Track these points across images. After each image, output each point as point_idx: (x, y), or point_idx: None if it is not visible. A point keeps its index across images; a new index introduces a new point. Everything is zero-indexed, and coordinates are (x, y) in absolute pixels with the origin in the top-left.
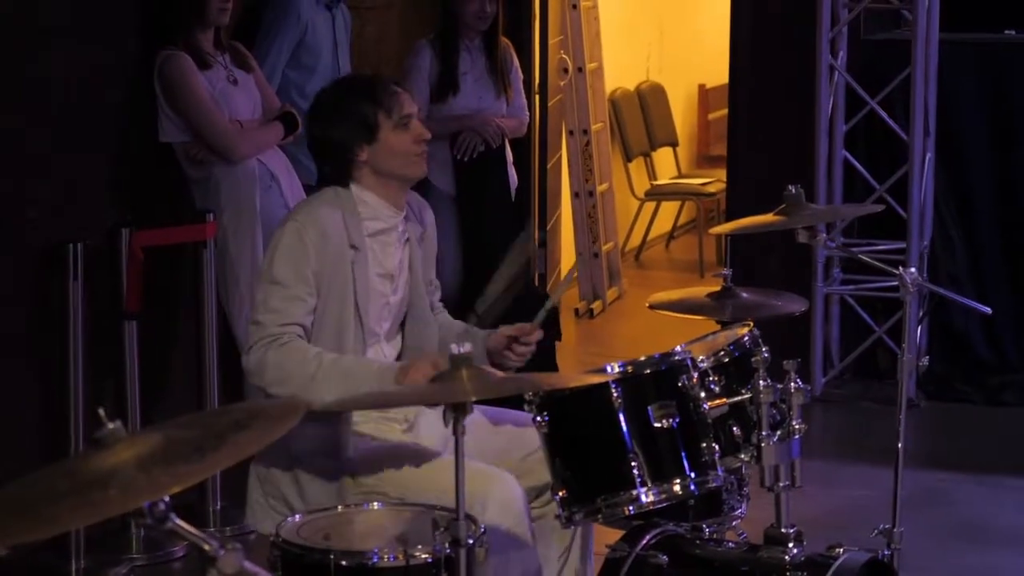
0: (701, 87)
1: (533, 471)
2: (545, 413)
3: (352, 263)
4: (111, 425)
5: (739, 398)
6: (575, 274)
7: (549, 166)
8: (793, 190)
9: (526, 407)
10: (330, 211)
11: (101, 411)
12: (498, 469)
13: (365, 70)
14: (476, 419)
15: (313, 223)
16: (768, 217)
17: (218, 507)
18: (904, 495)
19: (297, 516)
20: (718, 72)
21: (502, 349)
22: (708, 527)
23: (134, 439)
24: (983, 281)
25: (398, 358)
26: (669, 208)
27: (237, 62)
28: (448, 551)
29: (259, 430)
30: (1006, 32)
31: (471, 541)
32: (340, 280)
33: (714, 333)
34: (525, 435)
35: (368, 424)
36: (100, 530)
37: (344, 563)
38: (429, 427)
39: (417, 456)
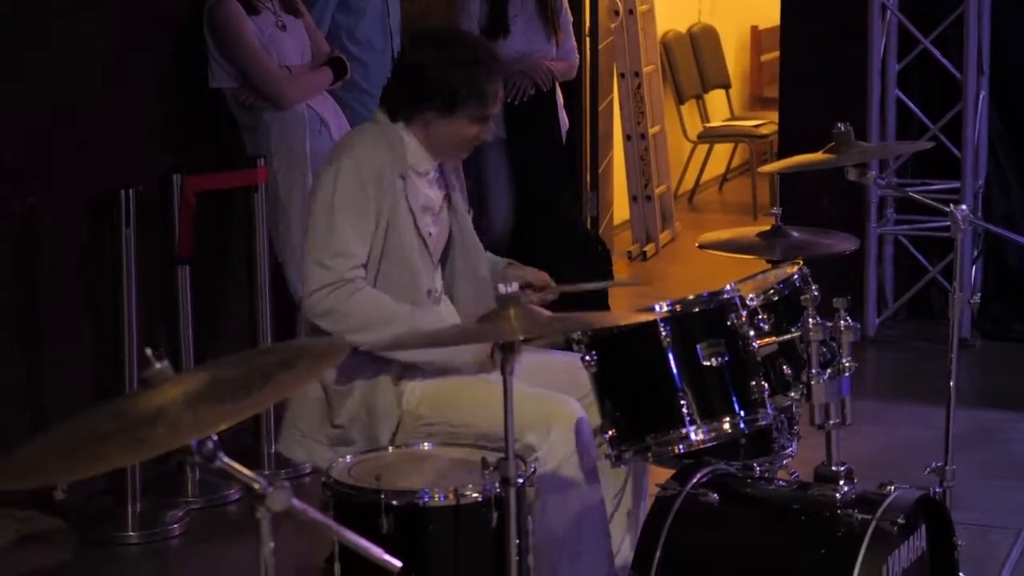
0: (754, 28)
1: (588, 411)
2: (594, 352)
3: (405, 193)
4: (159, 365)
5: (788, 336)
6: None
7: (600, 109)
8: (842, 128)
9: (575, 347)
10: (379, 145)
11: (149, 351)
12: (561, 395)
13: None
14: (526, 358)
15: (367, 158)
16: (817, 155)
17: (272, 450)
18: (958, 434)
19: (348, 457)
20: (770, 13)
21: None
22: (759, 466)
23: (181, 378)
24: None
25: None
26: (722, 150)
27: (286, 7)
28: (498, 490)
29: (304, 369)
30: None
31: (521, 480)
32: (399, 211)
33: (764, 272)
34: (575, 377)
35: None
36: (156, 474)
37: (395, 503)
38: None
39: (474, 387)
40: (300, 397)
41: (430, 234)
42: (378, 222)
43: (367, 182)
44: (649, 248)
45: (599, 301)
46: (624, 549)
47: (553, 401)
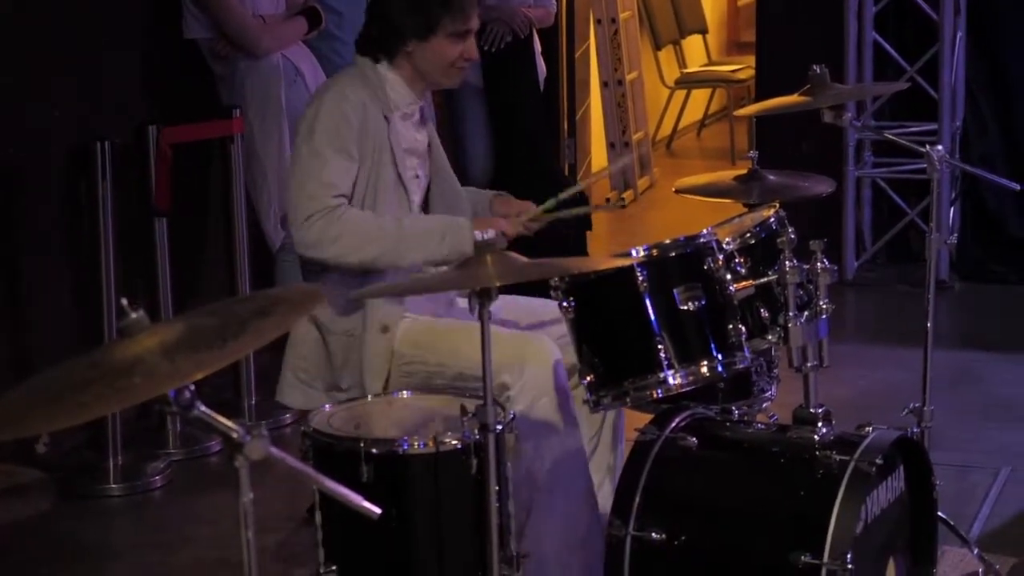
0: None
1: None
2: (571, 298)
3: (388, 133)
4: (134, 315)
5: (765, 279)
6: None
7: (577, 56)
8: (818, 70)
9: (552, 293)
10: (362, 84)
11: (124, 301)
12: (535, 335)
13: None
14: (503, 302)
15: (353, 92)
16: (793, 98)
17: (253, 401)
18: (936, 375)
19: (327, 406)
20: None
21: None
22: (738, 409)
23: (158, 328)
24: (1017, 160)
25: None
26: (700, 96)
27: None
28: (477, 437)
29: (281, 316)
30: None
31: (500, 427)
32: (381, 151)
33: (740, 216)
34: (550, 318)
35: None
36: (137, 427)
37: (375, 451)
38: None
39: (452, 328)
40: (299, 342)
41: (417, 176)
42: (363, 159)
43: (350, 118)
44: (628, 195)
45: (577, 247)
46: (604, 492)
47: (528, 340)
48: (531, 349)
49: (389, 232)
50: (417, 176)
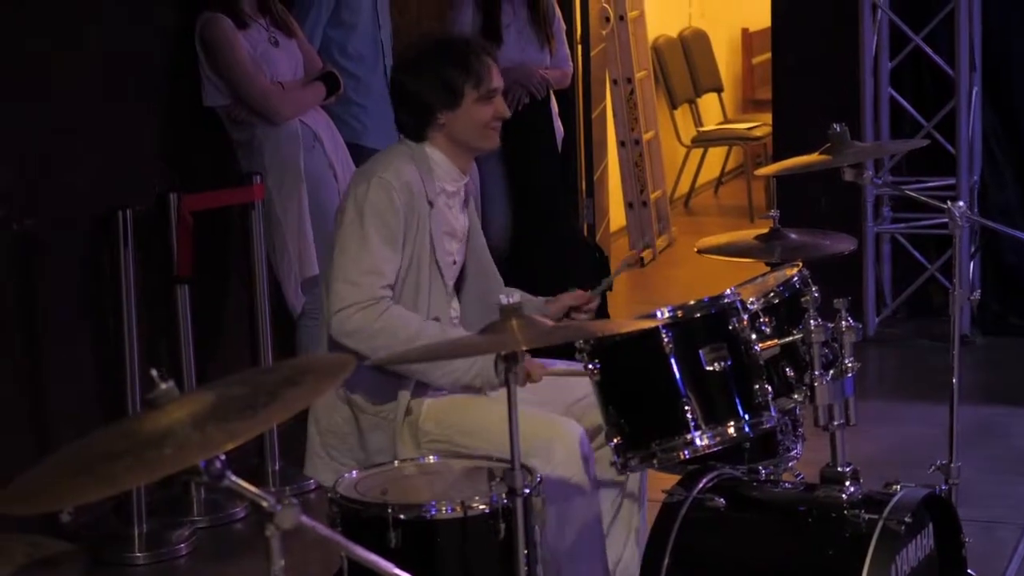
0: (744, 31)
1: (585, 414)
2: (597, 360)
3: (429, 218)
4: (164, 385)
5: (790, 339)
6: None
7: (594, 116)
8: (838, 128)
9: (577, 355)
10: (410, 166)
11: (154, 372)
12: (561, 417)
13: (459, 34)
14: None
15: (398, 178)
16: (813, 156)
17: (277, 467)
18: (961, 430)
19: (354, 472)
20: (761, 15)
21: (562, 317)
22: (764, 469)
23: (187, 398)
24: None
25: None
26: (716, 154)
27: (278, 23)
28: (505, 501)
29: (310, 385)
30: None
31: (527, 491)
32: (421, 235)
33: (763, 275)
34: (576, 381)
35: None
36: (162, 495)
37: (402, 516)
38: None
39: (480, 406)
40: (328, 418)
41: (454, 262)
42: (404, 244)
43: (398, 203)
44: (646, 254)
45: (599, 308)
46: (627, 556)
47: (555, 423)
48: (559, 432)
49: (430, 337)
50: (455, 262)
